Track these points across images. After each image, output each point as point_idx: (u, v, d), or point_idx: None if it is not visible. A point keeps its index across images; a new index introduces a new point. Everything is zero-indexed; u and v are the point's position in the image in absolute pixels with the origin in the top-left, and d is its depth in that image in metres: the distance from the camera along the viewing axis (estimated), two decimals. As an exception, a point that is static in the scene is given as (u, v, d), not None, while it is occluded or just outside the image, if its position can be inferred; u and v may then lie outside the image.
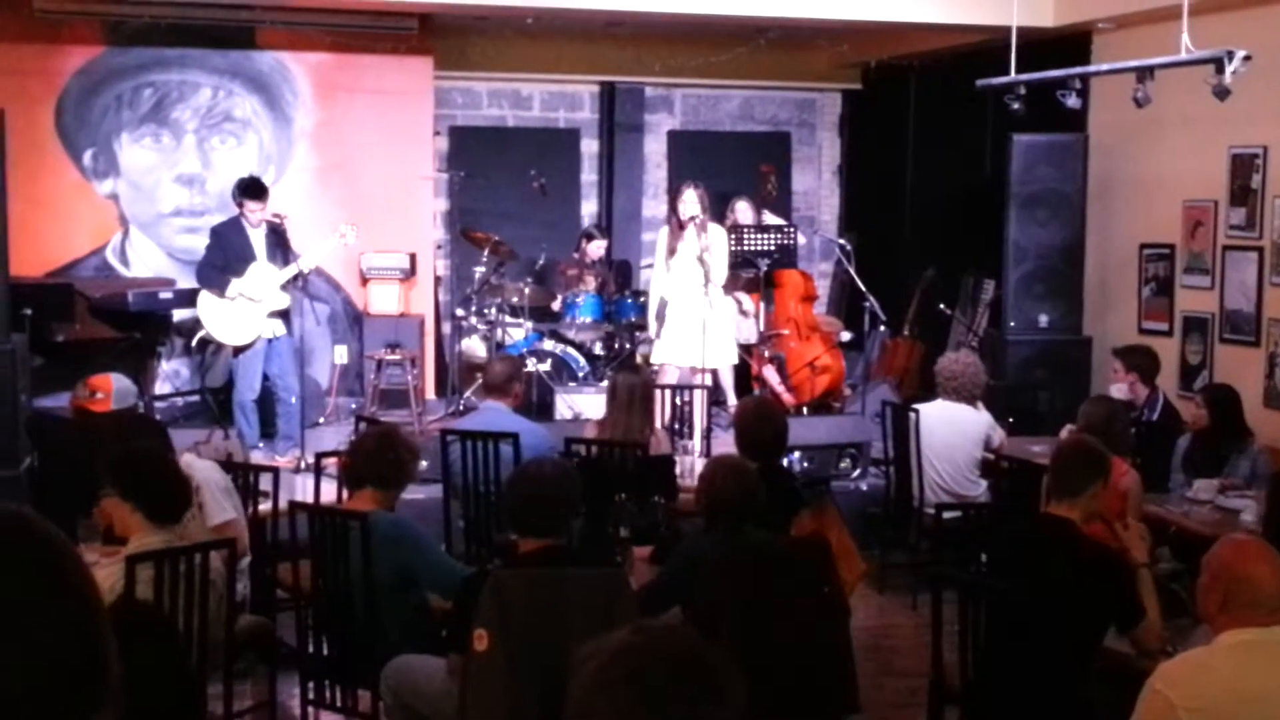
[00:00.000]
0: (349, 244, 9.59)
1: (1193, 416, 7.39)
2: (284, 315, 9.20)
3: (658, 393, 9.22)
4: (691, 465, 7.53)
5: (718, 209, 10.69)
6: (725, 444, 8.10)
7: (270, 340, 9.16)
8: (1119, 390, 7.79)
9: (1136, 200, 9.90)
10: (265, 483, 6.45)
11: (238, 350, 9.22)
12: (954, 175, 11.94)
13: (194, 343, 9.83)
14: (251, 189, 9.19)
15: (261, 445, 9.22)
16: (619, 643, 1.84)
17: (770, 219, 10.99)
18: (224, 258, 9.12)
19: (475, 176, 11.47)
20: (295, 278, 9.06)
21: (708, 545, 4.98)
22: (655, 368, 9.83)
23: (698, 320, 9.44)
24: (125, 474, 4.92)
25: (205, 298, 9.13)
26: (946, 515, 6.43)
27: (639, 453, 6.64)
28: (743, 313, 10.53)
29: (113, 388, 7.00)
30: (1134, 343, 8.72)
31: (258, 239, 9.12)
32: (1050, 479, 5.00)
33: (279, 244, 9.14)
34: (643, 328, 10.41)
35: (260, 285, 9.02)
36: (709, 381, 9.55)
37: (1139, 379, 7.84)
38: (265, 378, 9.27)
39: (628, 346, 10.52)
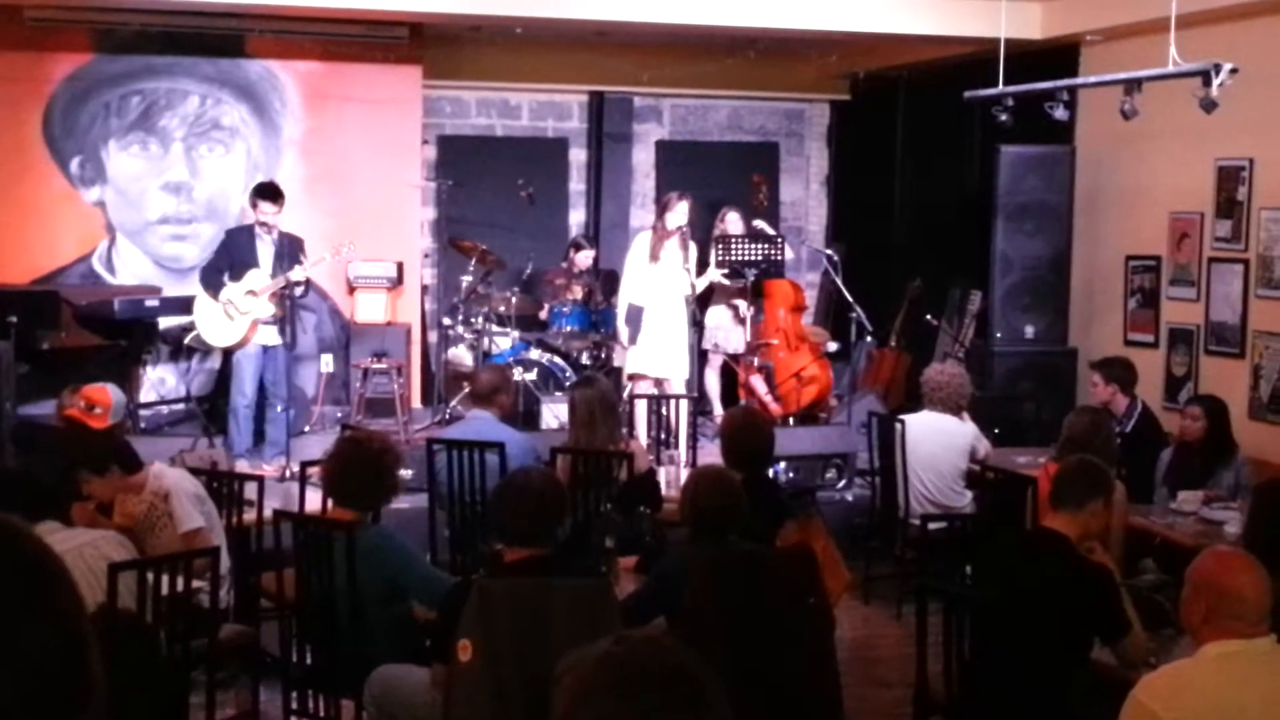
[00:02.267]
0: (348, 260, 9.64)
1: (1180, 428, 7.36)
2: (281, 325, 9.17)
3: (639, 403, 9.27)
4: (676, 475, 7.53)
5: (708, 219, 10.72)
6: (710, 454, 8.10)
7: (266, 349, 9.16)
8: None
9: (1123, 212, 9.93)
10: (250, 491, 6.44)
11: (228, 355, 9.21)
12: (941, 186, 11.97)
13: (185, 343, 9.81)
14: (264, 190, 9.21)
15: (247, 454, 9.19)
16: (601, 653, 1.84)
17: (766, 229, 10.98)
18: (229, 260, 9.15)
19: (463, 185, 11.47)
20: (286, 288, 9.04)
21: (692, 556, 4.97)
22: (629, 378, 9.81)
23: (679, 331, 9.45)
24: None
25: (201, 298, 9.15)
26: (932, 526, 6.44)
27: (624, 463, 6.63)
28: (739, 319, 10.52)
29: (111, 402, 6.99)
30: (1114, 355, 8.73)
31: (265, 248, 9.12)
32: (1052, 492, 5.01)
33: (288, 256, 9.12)
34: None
35: (251, 292, 9.00)
36: (680, 390, 9.55)
37: (1119, 390, 7.85)
38: (260, 385, 9.26)
39: (603, 356, 10.48)
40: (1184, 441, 7.30)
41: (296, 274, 9.10)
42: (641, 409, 9.29)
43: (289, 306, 9.13)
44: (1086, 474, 4.98)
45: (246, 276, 9.04)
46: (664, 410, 8.77)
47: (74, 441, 6.27)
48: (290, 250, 9.16)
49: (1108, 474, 5.07)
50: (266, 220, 9.10)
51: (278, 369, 9.21)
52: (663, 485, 7.13)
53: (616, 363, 10.13)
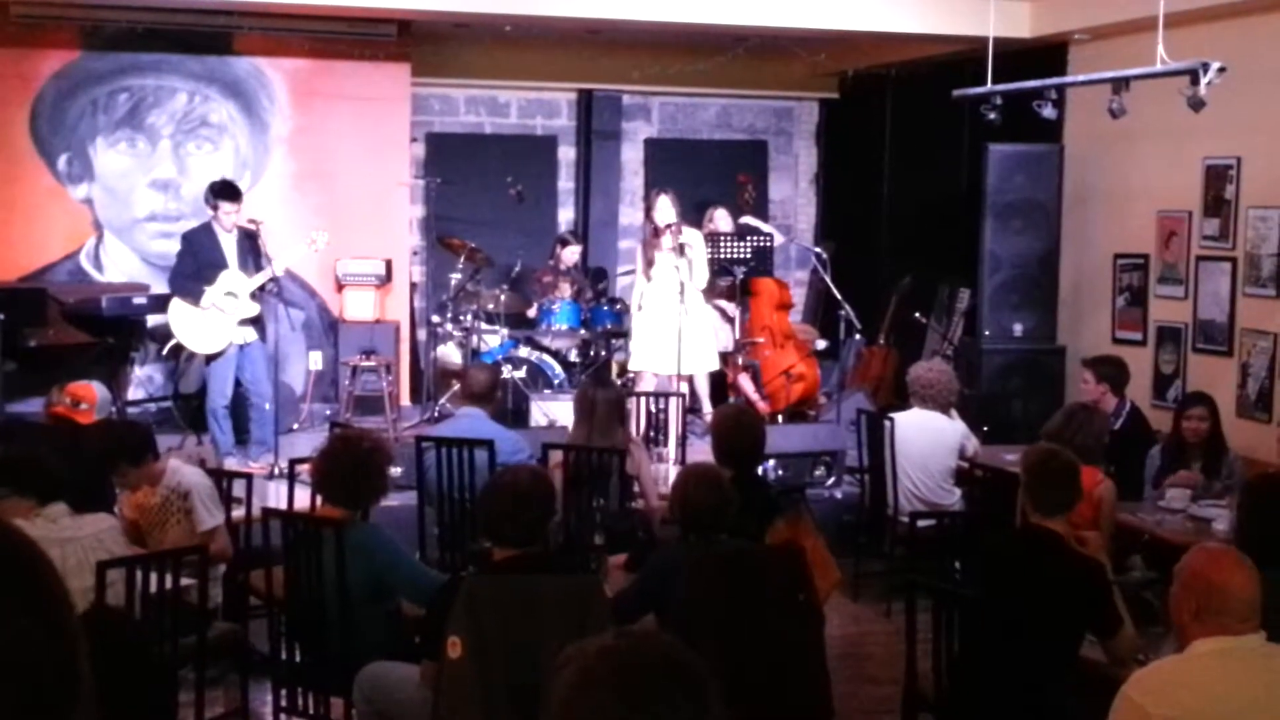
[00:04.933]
0: (319, 250, 9.56)
1: (1188, 430, 7.25)
2: (255, 321, 9.15)
3: (632, 400, 9.28)
4: (666, 473, 7.53)
5: (695, 217, 10.71)
6: (700, 452, 8.10)
7: (242, 347, 9.11)
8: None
9: (1111, 210, 9.94)
10: (238, 489, 6.44)
11: (209, 358, 9.17)
12: (930, 185, 11.98)
13: (165, 350, 9.78)
14: (225, 190, 9.14)
15: (235, 451, 9.17)
16: (600, 646, 1.84)
17: (759, 224, 10.98)
18: (195, 264, 9.06)
19: (452, 183, 11.46)
20: (267, 283, 9.02)
21: (682, 553, 4.97)
22: (631, 375, 9.87)
23: (674, 328, 9.45)
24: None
25: (176, 305, 9.07)
26: (921, 523, 6.44)
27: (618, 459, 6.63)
28: (727, 319, 10.51)
29: (96, 398, 6.98)
30: (1105, 353, 8.75)
31: (229, 245, 9.07)
32: (1029, 495, 5.00)
33: (251, 250, 9.08)
34: (618, 335, 10.43)
35: (231, 293, 8.97)
36: (684, 389, 9.56)
37: (1110, 389, 7.86)
38: (238, 384, 9.22)
39: (603, 354, 10.51)
40: (1175, 441, 7.28)
41: (277, 267, 9.05)
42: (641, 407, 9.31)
43: (264, 301, 9.11)
44: (1059, 475, 4.96)
45: (220, 278, 8.99)
46: (654, 408, 8.77)
47: (109, 436, 6.27)
48: (252, 245, 9.11)
49: (1076, 468, 5.06)
50: (226, 219, 9.03)
51: (256, 366, 9.16)
52: (652, 483, 7.13)
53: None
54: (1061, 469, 5.01)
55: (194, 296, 8.97)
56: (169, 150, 10.89)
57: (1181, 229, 9.20)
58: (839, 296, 10.29)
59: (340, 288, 10.87)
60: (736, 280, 10.22)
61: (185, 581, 5.18)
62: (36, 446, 6.02)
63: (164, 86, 10.86)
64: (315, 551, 5.16)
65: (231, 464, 8.47)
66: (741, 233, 10.55)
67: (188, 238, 9.25)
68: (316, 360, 10.92)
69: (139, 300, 9.90)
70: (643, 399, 9.02)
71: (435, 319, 10.60)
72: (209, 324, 9.00)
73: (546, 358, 10.37)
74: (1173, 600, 3.63)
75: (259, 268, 9.01)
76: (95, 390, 7.08)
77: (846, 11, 9.87)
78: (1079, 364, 9.06)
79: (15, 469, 5.23)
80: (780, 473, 8.78)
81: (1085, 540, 5.10)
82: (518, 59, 12.08)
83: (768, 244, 10.40)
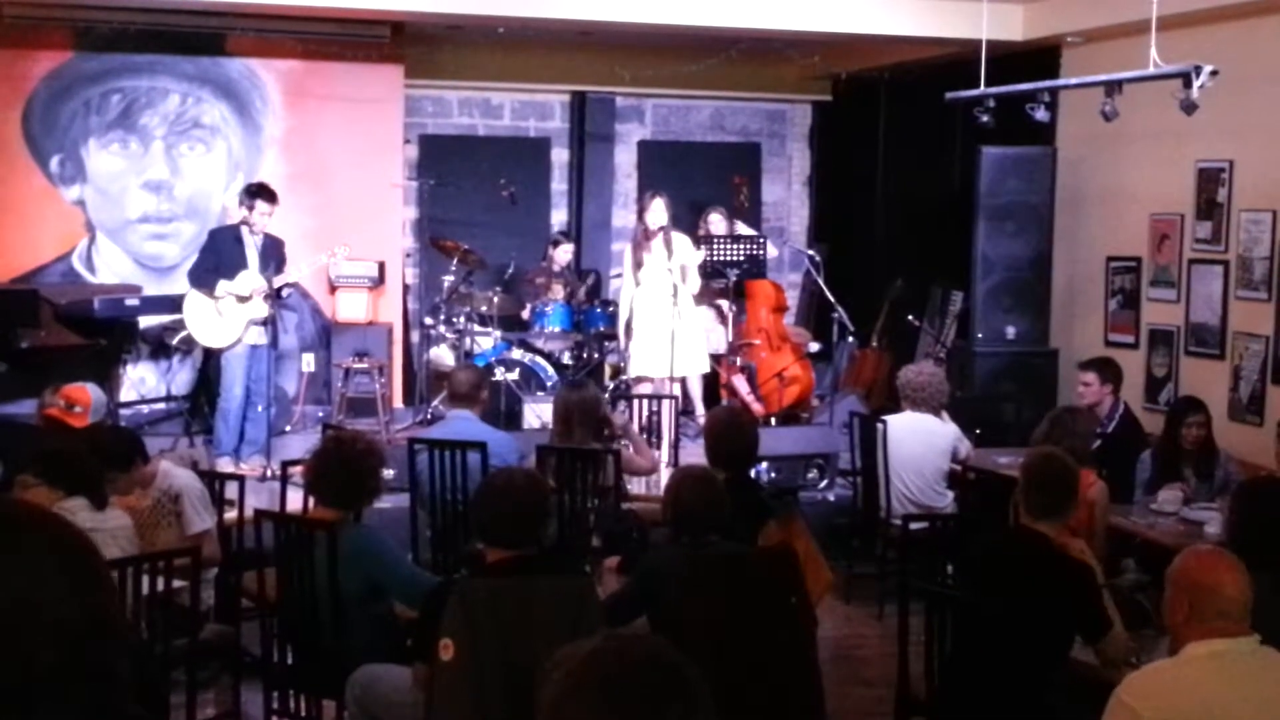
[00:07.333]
0: (338, 262, 9.64)
1: (1187, 437, 7.25)
2: (265, 324, 9.16)
3: (636, 403, 9.29)
4: (658, 476, 7.52)
5: (690, 219, 10.72)
6: (693, 454, 8.10)
7: (253, 349, 9.14)
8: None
9: (1104, 213, 9.96)
10: (231, 490, 6.43)
11: (208, 355, 9.17)
12: (923, 187, 11.98)
13: (174, 343, 9.78)
14: (263, 191, 9.19)
15: (232, 454, 9.16)
16: (591, 649, 1.84)
17: (743, 229, 11.00)
18: (216, 262, 9.09)
19: (445, 185, 11.45)
20: (283, 289, 9.05)
21: (674, 555, 4.96)
22: (632, 379, 9.86)
23: (669, 330, 9.45)
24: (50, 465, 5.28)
25: (192, 298, 9.08)
26: (913, 526, 6.44)
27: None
28: (721, 319, 10.50)
29: (91, 401, 6.97)
30: (1099, 355, 8.76)
31: (253, 250, 9.09)
32: (1024, 497, 4.99)
33: (275, 258, 9.10)
34: (611, 337, 10.42)
35: (246, 290, 8.98)
36: (677, 391, 9.56)
37: (1113, 390, 7.90)
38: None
39: (595, 356, 10.51)
40: (1169, 446, 7.27)
41: (290, 276, 9.09)
42: (636, 409, 9.30)
43: (274, 306, 9.12)
44: (1057, 479, 4.95)
45: (238, 278, 9.01)
46: (648, 410, 8.77)
47: (95, 442, 6.25)
48: (275, 253, 9.15)
49: (1075, 472, 5.05)
50: (259, 220, 9.06)
51: (261, 369, 9.19)
52: (645, 486, 7.13)
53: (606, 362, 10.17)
54: (1056, 473, 4.99)
55: (209, 287, 8.99)
56: (161, 151, 10.87)
57: (1174, 232, 9.22)
58: (832, 299, 10.29)
59: (333, 290, 10.85)
60: (730, 282, 10.22)
61: (177, 584, 5.17)
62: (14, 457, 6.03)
63: (156, 88, 10.85)
64: (307, 553, 5.15)
65: (227, 465, 8.48)
66: (735, 236, 10.55)
67: (214, 235, 9.39)
68: (309, 362, 10.90)
69: (131, 301, 9.87)
70: (637, 402, 9.02)
71: (428, 321, 10.58)
72: (220, 319, 9.00)
73: (539, 360, 10.36)
74: (1166, 603, 3.63)
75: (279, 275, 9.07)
76: (90, 393, 7.07)
77: (840, 14, 9.89)
78: (1072, 367, 9.08)
79: (50, 459, 5.26)
80: (773, 475, 8.79)
81: (1068, 545, 5.09)
82: (511, 61, 12.08)
83: (761, 247, 10.40)
